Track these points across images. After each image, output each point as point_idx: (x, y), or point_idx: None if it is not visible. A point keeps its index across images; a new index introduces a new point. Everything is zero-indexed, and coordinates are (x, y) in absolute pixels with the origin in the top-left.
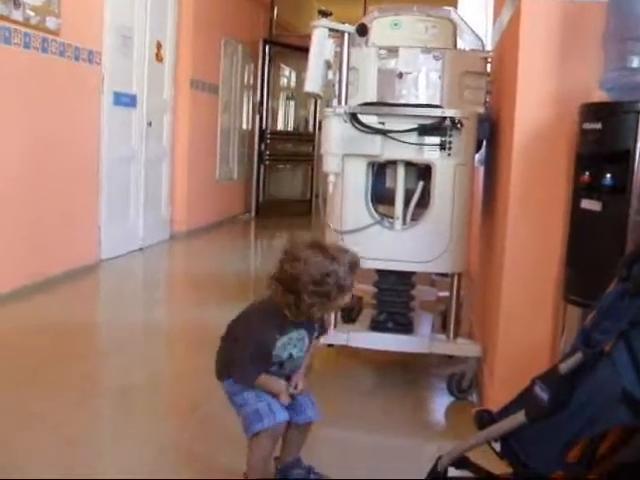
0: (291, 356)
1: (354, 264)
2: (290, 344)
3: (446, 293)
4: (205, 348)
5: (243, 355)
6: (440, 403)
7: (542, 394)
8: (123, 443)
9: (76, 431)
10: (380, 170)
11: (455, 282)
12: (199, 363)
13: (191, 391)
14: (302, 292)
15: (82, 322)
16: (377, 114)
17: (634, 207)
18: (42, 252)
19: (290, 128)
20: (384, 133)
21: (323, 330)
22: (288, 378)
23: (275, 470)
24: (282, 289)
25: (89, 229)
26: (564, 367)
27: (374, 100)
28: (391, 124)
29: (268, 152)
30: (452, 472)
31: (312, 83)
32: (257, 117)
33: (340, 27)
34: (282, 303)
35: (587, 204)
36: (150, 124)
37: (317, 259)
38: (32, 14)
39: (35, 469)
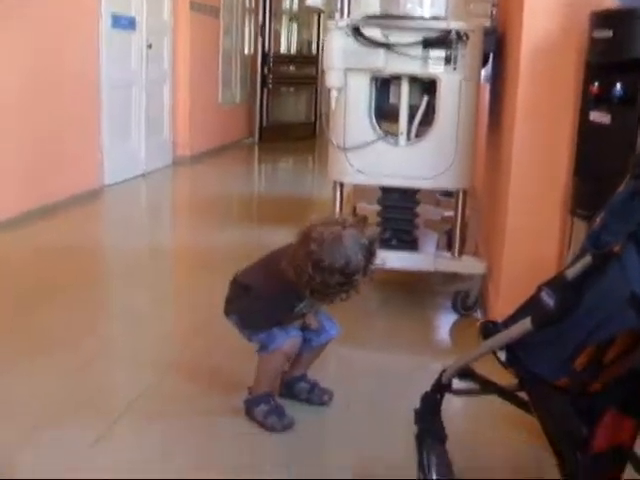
0: (302, 313)
1: (374, 242)
2: (305, 307)
3: (451, 213)
4: (210, 268)
5: (258, 310)
6: (445, 321)
7: (549, 300)
8: (130, 362)
9: (84, 352)
10: (384, 86)
11: (460, 199)
12: (205, 283)
13: (196, 310)
14: (331, 290)
15: (88, 246)
16: (380, 27)
17: None
18: (46, 177)
19: (293, 51)
20: (387, 46)
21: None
22: None
23: (280, 383)
24: (310, 289)
25: (92, 154)
26: (571, 272)
27: (377, 13)
28: (395, 37)
29: (271, 75)
30: (457, 384)
31: None
32: (259, 40)
33: None
34: (308, 284)
35: (596, 116)
36: (150, 46)
37: (342, 261)
38: None
39: (44, 391)
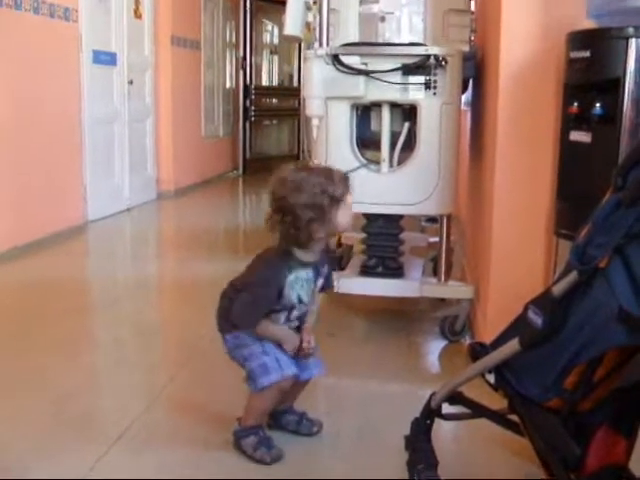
0: (300, 300)
1: (342, 176)
2: (298, 284)
3: (436, 239)
4: (197, 300)
5: (247, 298)
6: (434, 347)
7: (536, 319)
8: (116, 395)
9: (71, 384)
10: (365, 114)
11: (444, 224)
12: (191, 315)
13: (184, 342)
14: (297, 209)
15: (73, 280)
16: (359, 54)
17: (624, 137)
18: (29, 214)
19: (275, 83)
20: (367, 73)
21: (328, 283)
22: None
23: (267, 416)
24: (279, 217)
25: (75, 190)
26: (558, 289)
27: (356, 41)
28: (374, 64)
29: (253, 108)
30: (446, 409)
31: (292, 26)
32: (241, 73)
33: None
34: (282, 233)
35: (576, 136)
36: (131, 82)
37: (304, 176)
38: None
39: (32, 424)
